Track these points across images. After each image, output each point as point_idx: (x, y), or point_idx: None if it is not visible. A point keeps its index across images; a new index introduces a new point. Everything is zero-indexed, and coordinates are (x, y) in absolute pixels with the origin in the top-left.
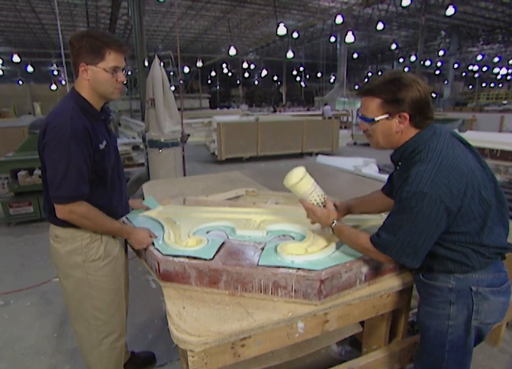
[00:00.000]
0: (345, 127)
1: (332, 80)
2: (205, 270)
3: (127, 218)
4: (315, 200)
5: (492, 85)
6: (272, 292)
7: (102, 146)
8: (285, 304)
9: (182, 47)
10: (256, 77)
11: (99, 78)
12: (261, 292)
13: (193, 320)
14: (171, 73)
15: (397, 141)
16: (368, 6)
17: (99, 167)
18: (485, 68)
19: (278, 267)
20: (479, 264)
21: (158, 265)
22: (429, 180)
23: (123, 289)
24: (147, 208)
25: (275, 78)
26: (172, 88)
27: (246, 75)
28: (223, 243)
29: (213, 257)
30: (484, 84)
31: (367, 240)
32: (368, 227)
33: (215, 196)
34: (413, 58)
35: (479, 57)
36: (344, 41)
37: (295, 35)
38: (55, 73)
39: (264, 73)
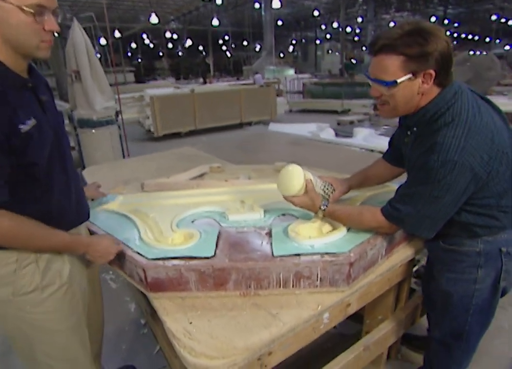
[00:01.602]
0: (277, 95)
1: (258, 49)
2: (208, 271)
3: None
4: (319, 192)
5: None
6: (293, 285)
7: (25, 126)
8: (310, 295)
9: (96, 15)
10: (180, 48)
11: (11, 21)
12: (280, 286)
13: (208, 337)
14: None
15: (416, 104)
16: None
17: (23, 158)
18: None
19: (299, 255)
20: (510, 223)
21: (145, 274)
22: (460, 146)
23: (83, 325)
24: (104, 195)
25: (201, 48)
26: None
27: (170, 45)
28: (219, 234)
29: (215, 253)
30: None
31: (375, 215)
32: (366, 198)
33: (177, 177)
34: (335, 25)
35: (391, 24)
36: (271, 6)
37: (219, 1)
38: None
39: (188, 42)
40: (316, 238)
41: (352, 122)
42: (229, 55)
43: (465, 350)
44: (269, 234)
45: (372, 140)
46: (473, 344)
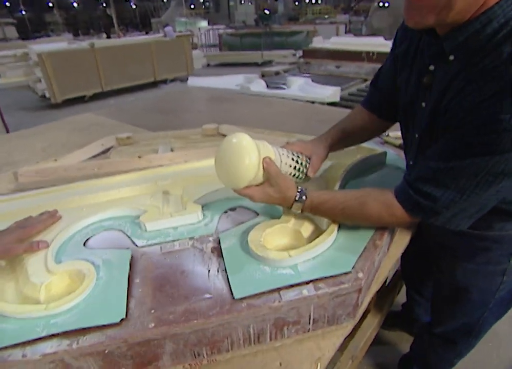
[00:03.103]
0: (193, 49)
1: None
2: (118, 351)
3: None
4: (291, 169)
5: (313, 1)
6: (272, 338)
7: None
8: (299, 346)
9: None
10: None
11: None
12: (251, 343)
13: None
14: None
15: (481, 3)
16: None
17: None
18: None
19: (277, 290)
20: None
21: None
22: None
23: None
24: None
25: None
26: None
27: None
28: (131, 263)
29: (127, 313)
30: (307, 1)
31: (388, 205)
32: (347, 170)
33: (69, 157)
34: None
35: None
36: None
37: None
38: None
39: None
40: (297, 251)
41: (277, 73)
42: (133, 6)
43: (472, 344)
44: (218, 250)
45: (309, 89)
46: (482, 336)
